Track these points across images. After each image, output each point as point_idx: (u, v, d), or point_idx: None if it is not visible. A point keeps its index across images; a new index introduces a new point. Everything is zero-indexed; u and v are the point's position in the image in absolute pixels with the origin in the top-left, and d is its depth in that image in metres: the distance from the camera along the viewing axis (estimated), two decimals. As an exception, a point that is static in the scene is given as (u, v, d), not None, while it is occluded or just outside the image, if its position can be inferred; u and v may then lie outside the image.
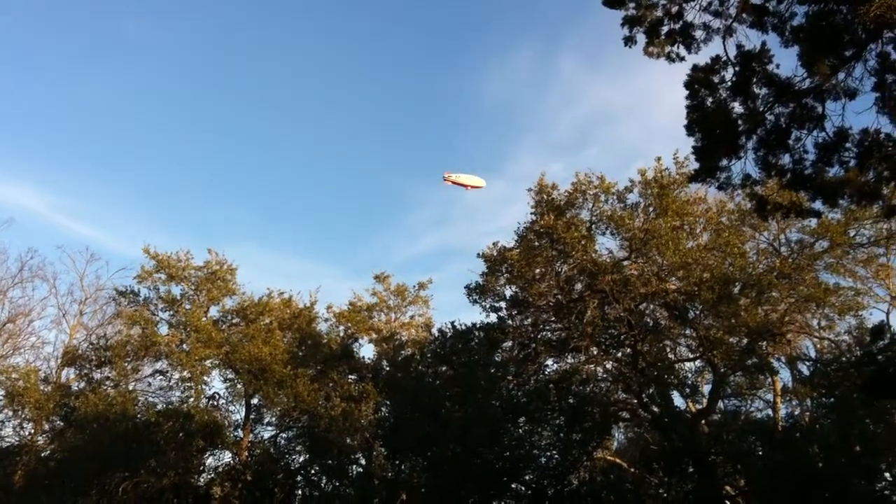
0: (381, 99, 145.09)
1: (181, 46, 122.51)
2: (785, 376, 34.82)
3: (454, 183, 39.99)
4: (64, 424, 34.29)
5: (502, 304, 31.80)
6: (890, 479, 27.81)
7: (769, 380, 33.01)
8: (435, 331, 34.69)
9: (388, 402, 32.89)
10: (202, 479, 33.84)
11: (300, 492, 33.95)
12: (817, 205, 15.11)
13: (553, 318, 31.34)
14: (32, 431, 35.57)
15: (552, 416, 28.89)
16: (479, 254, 31.89)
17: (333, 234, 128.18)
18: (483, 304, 32.13)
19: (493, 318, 31.59)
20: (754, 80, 14.10)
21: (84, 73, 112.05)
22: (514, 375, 30.56)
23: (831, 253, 29.47)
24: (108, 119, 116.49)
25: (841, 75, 13.37)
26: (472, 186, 40.04)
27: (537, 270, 30.37)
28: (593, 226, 29.37)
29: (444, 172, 39.88)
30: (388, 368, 34.76)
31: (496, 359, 31.36)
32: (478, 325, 31.26)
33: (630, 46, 14.77)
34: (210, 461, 34.42)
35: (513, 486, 28.43)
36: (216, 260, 35.71)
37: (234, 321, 35.90)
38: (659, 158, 28.44)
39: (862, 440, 26.15)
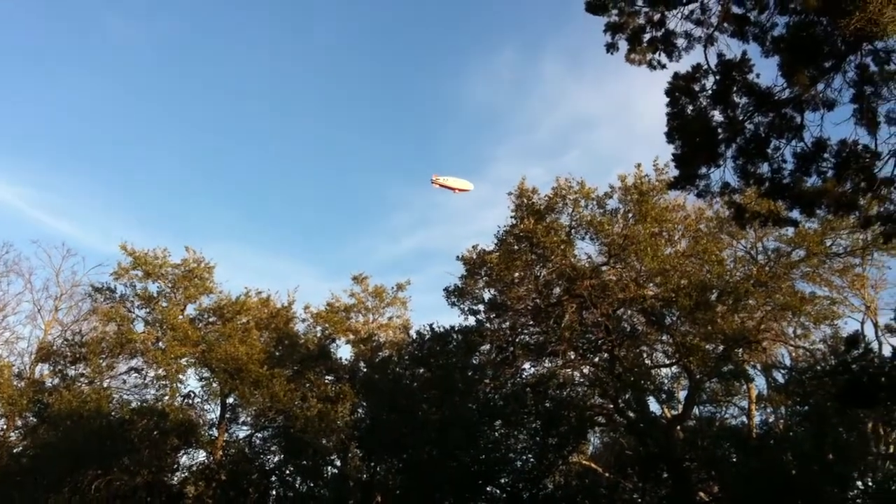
0: (362, 100, 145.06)
1: (161, 43, 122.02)
2: (760, 384, 35.10)
3: (442, 186, 40.01)
4: (37, 421, 33.95)
5: (481, 307, 31.87)
6: (862, 487, 28.08)
7: (744, 387, 33.23)
8: (413, 333, 34.70)
9: (364, 404, 32.81)
10: (176, 478, 33.61)
11: (274, 492, 33.76)
12: (795, 214, 15.24)
13: (531, 322, 31.41)
14: (5, 427, 35.19)
15: (528, 419, 28.92)
16: (458, 256, 31.96)
17: (312, 234, 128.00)
18: (461, 306, 32.18)
19: (471, 320, 31.67)
20: (734, 89, 14.19)
21: (63, 68, 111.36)
22: (492, 378, 30.58)
23: (808, 262, 29.71)
24: (87, 114, 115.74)
25: (820, 86, 13.49)
26: (460, 189, 40.10)
27: (516, 274, 30.43)
28: (573, 230, 29.46)
29: (433, 175, 39.86)
30: (365, 370, 34.69)
31: (474, 362, 31.36)
32: (456, 328, 31.29)
33: (612, 53, 14.82)
34: (184, 460, 34.25)
35: (488, 489, 28.39)
36: (193, 258, 35.53)
37: (210, 320, 35.72)
38: (639, 165, 28.64)
39: (835, 448, 26.36)
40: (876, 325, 35.35)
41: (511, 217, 30.12)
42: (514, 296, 30.27)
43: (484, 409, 28.40)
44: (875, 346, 31.78)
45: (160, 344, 33.90)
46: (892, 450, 30.78)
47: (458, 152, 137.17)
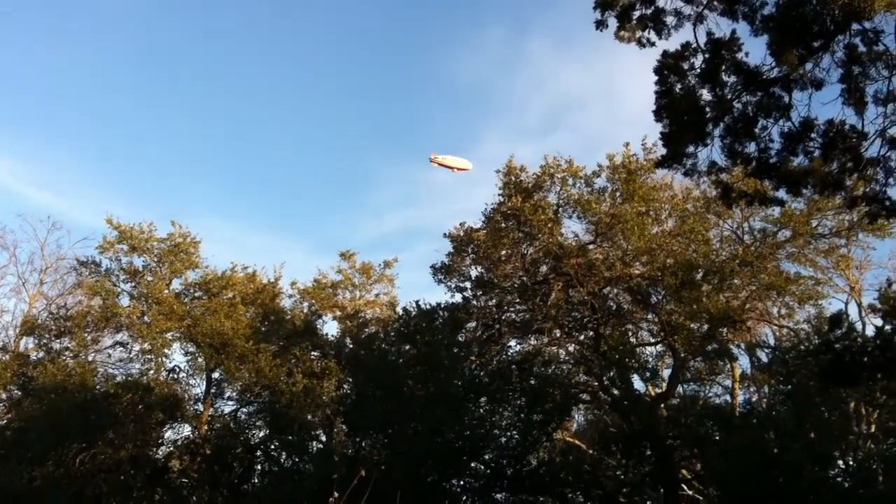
0: (349, 76, 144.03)
1: (148, 18, 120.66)
2: (744, 363, 35.38)
3: (440, 164, 39.79)
4: (21, 394, 33.82)
5: (467, 285, 31.94)
6: (843, 465, 28.38)
7: (728, 366, 33.47)
8: (399, 310, 34.70)
9: (350, 380, 32.85)
10: (160, 452, 33.58)
11: (259, 467, 33.84)
12: (781, 194, 15.24)
13: (517, 300, 31.52)
14: (-11, 401, 35.08)
15: (513, 396, 29.07)
16: (445, 234, 31.92)
17: (299, 210, 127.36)
18: (448, 283, 32.23)
19: (457, 298, 31.74)
20: (723, 67, 14.14)
21: (47, 39, 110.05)
22: (477, 355, 30.71)
23: (793, 242, 29.80)
24: (73, 87, 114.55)
25: (808, 66, 13.46)
26: (459, 168, 39.88)
27: (503, 252, 30.47)
28: (560, 209, 29.49)
29: (431, 154, 39.62)
30: (351, 346, 34.66)
31: (460, 339, 31.46)
32: (442, 305, 31.35)
33: (601, 30, 14.73)
34: (169, 434, 34.17)
35: (472, 465, 28.55)
36: (179, 232, 35.23)
37: (196, 294, 35.52)
38: (627, 144, 28.69)
39: (817, 427, 26.62)
40: (860, 305, 35.61)
41: (499, 195, 30.13)
42: (501, 273, 30.33)
43: (469, 386, 28.52)
44: (858, 326, 32.09)
45: (145, 318, 33.68)
46: (873, 429, 31.05)
47: (446, 130, 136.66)
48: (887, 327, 16.14)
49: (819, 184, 13.85)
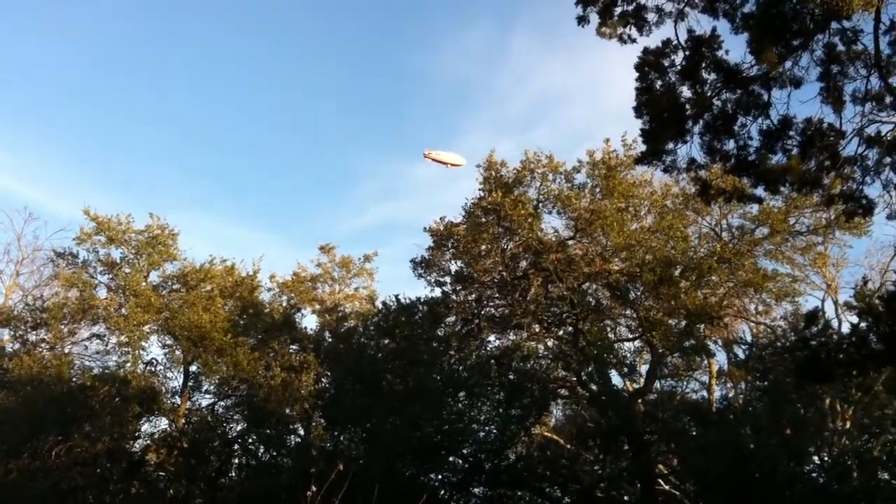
0: (331, 69, 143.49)
1: (128, 8, 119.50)
2: (721, 359, 35.61)
3: (434, 160, 39.59)
4: (-4, 386, 33.54)
5: (447, 279, 31.98)
6: (818, 461, 28.67)
7: (705, 362, 33.68)
8: (379, 304, 34.65)
9: (328, 374, 32.78)
10: (137, 445, 33.31)
11: (237, 460, 33.65)
12: (759, 191, 15.38)
13: (497, 295, 31.59)
14: (-36, 392, 34.71)
15: (492, 391, 29.11)
16: (425, 228, 31.90)
17: (279, 204, 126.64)
18: (428, 278, 32.25)
19: (437, 292, 31.75)
20: (703, 65, 14.24)
21: (25, 28, 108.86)
22: (456, 350, 30.73)
23: (771, 240, 30.03)
24: (52, 77, 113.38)
25: (788, 64, 13.60)
26: (453, 164, 39.69)
27: (483, 247, 30.50)
28: (540, 204, 29.56)
29: (425, 149, 39.41)
30: (330, 340, 34.57)
31: (439, 333, 31.45)
32: (422, 300, 31.32)
33: (583, 26, 14.76)
34: (146, 427, 33.84)
35: (451, 459, 28.59)
36: (157, 224, 34.92)
37: (174, 287, 35.25)
38: (607, 140, 28.76)
39: (793, 423, 26.87)
40: (836, 303, 35.92)
41: (479, 189, 30.15)
42: (481, 268, 30.34)
43: (448, 381, 28.53)
44: (835, 323, 32.37)
45: (123, 310, 33.42)
46: (848, 425, 31.35)
47: (429, 125, 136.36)
48: (862, 325, 16.27)
49: (797, 182, 13.97)
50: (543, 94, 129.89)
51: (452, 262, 31.97)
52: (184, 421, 33.40)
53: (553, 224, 30.76)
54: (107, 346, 35.13)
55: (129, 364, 33.05)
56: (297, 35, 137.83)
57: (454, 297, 31.83)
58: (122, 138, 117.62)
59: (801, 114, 14.12)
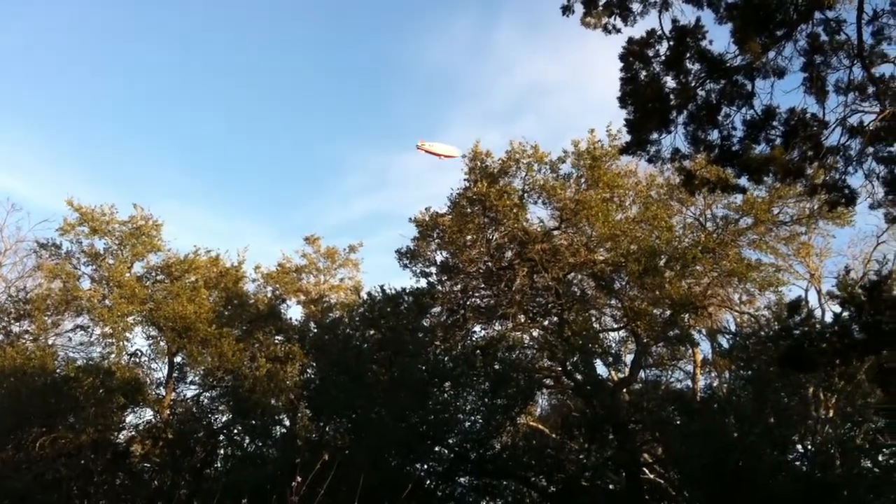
0: (315, 60, 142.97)
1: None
2: (705, 348, 35.80)
3: (427, 152, 39.51)
4: (-21, 378, 33.34)
5: (432, 270, 32.01)
6: (801, 450, 28.86)
7: (690, 351, 33.84)
8: (364, 294, 34.66)
9: (314, 364, 32.74)
10: (122, 437, 33.25)
11: (222, 451, 33.60)
12: (743, 181, 15.45)
13: (482, 285, 31.62)
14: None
15: (477, 381, 29.13)
16: (410, 218, 31.89)
17: (264, 195, 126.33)
18: (413, 268, 32.28)
19: (422, 283, 31.76)
20: (687, 55, 14.22)
21: (6, 16, 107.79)
22: (442, 340, 30.75)
23: (755, 230, 30.13)
24: (32, 66, 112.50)
25: (771, 54, 13.60)
26: (446, 156, 39.59)
27: (468, 237, 30.53)
28: (525, 194, 29.59)
29: (419, 141, 39.32)
30: (315, 330, 34.56)
31: (424, 324, 31.47)
32: (407, 290, 31.31)
33: (567, 16, 14.70)
34: (131, 418, 33.79)
35: (436, 449, 28.62)
36: (141, 215, 34.79)
37: (158, 278, 35.17)
38: (592, 130, 28.79)
39: (776, 412, 27.01)
40: (820, 292, 36.15)
41: (464, 180, 30.15)
42: (466, 259, 30.36)
43: (433, 371, 28.53)
44: (818, 313, 32.59)
45: (106, 301, 33.30)
46: (831, 414, 31.56)
47: (415, 115, 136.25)
48: (845, 314, 16.37)
49: (780, 171, 14.01)
50: (529, 84, 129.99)
51: (438, 252, 32.03)
52: (169, 412, 33.36)
53: (538, 214, 30.97)
54: (91, 337, 35.05)
55: (113, 355, 32.99)
56: (283, 25, 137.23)
57: (440, 287, 31.85)
58: (105, 129, 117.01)
59: (784, 104, 14.17)
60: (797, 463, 27.45)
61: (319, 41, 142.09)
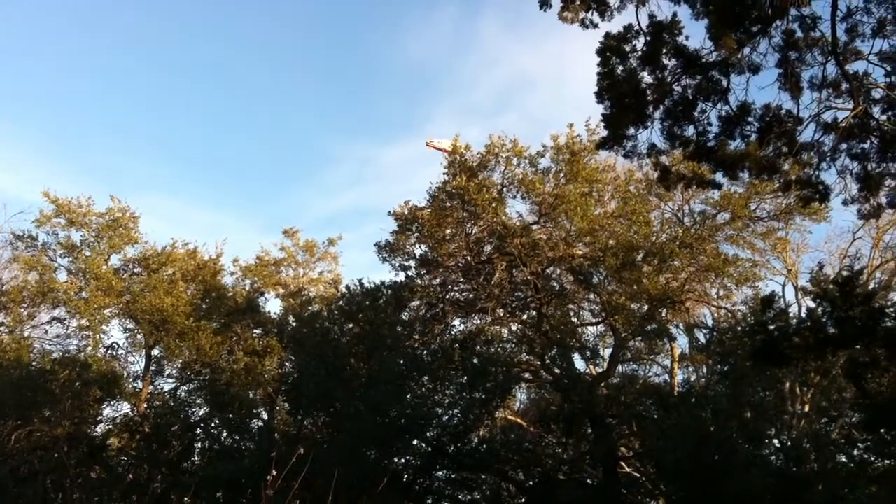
0: (299, 53, 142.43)
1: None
2: (682, 343, 36.07)
3: (436, 148, 39.57)
4: (-46, 370, 33.05)
5: (412, 263, 31.94)
6: (777, 444, 29.11)
7: (667, 346, 34.06)
8: (343, 288, 34.59)
9: (292, 358, 32.70)
10: (99, 430, 33.09)
11: (199, 445, 33.52)
12: (719, 177, 15.51)
13: (461, 279, 31.64)
14: (-79, 377, 34.16)
15: (456, 375, 29.18)
16: (390, 212, 31.84)
17: (248, 189, 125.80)
18: (392, 262, 32.21)
19: (401, 276, 31.73)
20: (664, 50, 14.26)
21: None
22: (420, 334, 30.77)
23: (732, 225, 30.30)
24: (6, 56, 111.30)
25: (746, 50, 13.66)
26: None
27: (447, 231, 30.54)
28: (504, 189, 29.60)
29: (427, 138, 39.40)
30: (294, 324, 34.48)
31: (403, 317, 31.47)
32: (386, 284, 31.29)
33: (545, 10, 14.67)
34: (107, 412, 33.58)
35: (414, 442, 28.64)
36: (118, 207, 34.54)
37: (135, 270, 34.95)
38: (571, 125, 28.80)
39: (752, 406, 27.22)
40: (796, 287, 36.51)
41: (444, 173, 30.15)
42: (445, 252, 30.37)
43: (412, 365, 28.55)
44: (795, 308, 32.90)
45: (83, 294, 33.09)
46: (807, 409, 31.88)
47: (397, 109, 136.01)
48: (818, 309, 16.51)
49: (755, 167, 14.08)
50: (511, 79, 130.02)
51: (417, 246, 31.98)
52: (146, 405, 33.23)
53: (517, 208, 30.95)
54: (67, 329, 34.77)
55: (89, 348, 32.85)
56: (268, 19, 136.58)
57: (418, 281, 31.84)
58: (83, 120, 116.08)
59: (759, 100, 14.32)
60: (773, 457, 27.66)
61: (303, 34, 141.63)
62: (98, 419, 33.06)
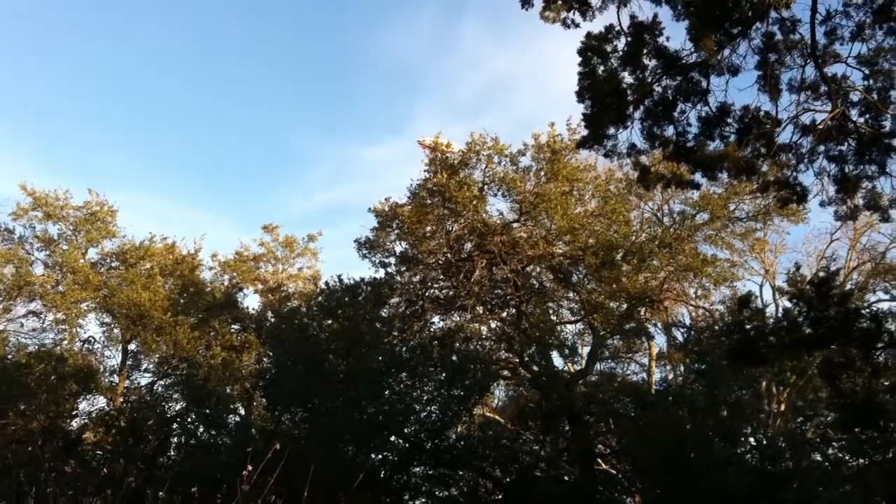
0: (279, 50, 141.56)
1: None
2: (660, 341, 36.26)
3: (428, 147, 39.51)
4: (-71, 364, 32.74)
5: (392, 260, 31.94)
6: (754, 442, 29.34)
7: (645, 344, 34.22)
8: (322, 284, 34.51)
9: (270, 353, 32.60)
10: (74, 424, 32.92)
11: (175, 440, 33.38)
12: (698, 177, 15.57)
13: (441, 276, 31.65)
14: None
15: (434, 372, 29.19)
16: (370, 208, 31.79)
17: (226, 186, 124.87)
18: (372, 259, 32.19)
19: (381, 273, 31.69)
20: (645, 51, 14.31)
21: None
22: (399, 331, 30.73)
23: (711, 225, 30.47)
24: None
25: (726, 52, 13.72)
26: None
27: (428, 228, 30.54)
28: (485, 186, 29.63)
29: (420, 137, 39.27)
30: (272, 319, 34.37)
31: (382, 314, 31.41)
32: (366, 280, 31.21)
33: (527, 9, 14.66)
34: (83, 406, 33.47)
35: (392, 439, 28.62)
36: (97, 201, 34.33)
37: (113, 264, 34.77)
38: (552, 124, 28.86)
39: (729, 405, 27.41)
40: (773, 288, 36.81)
41: (424, 171, 30.13)
42: (426, 250, 30.38)
43: (390, 361, 28.51)
44: (772, 308, 33.16)
45: (60, 287, 32.93)
46: (783, 408, 32.16)
47: (378, 107, 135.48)
48: (795, 309, 16.64)
49: (733, 168, 14.16)
50: (493, 78, 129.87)
51: (397, 243, 32.00)
52: (122, 400, 33.07)
53: (498, 206, 30.98)
54: (43, 323, 34.61)
55: (66, 342, 32.75)
56: (247, 16, 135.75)
57: (398, 278, 31.83)
58: (63, 113, 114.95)
59: (738, 101, 14.33)
60: (748, 455, 27.87)
61: (284, 31, 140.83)
62: (74, 413, 32.91)
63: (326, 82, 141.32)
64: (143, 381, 35.32)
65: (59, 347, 32.45)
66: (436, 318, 32.38)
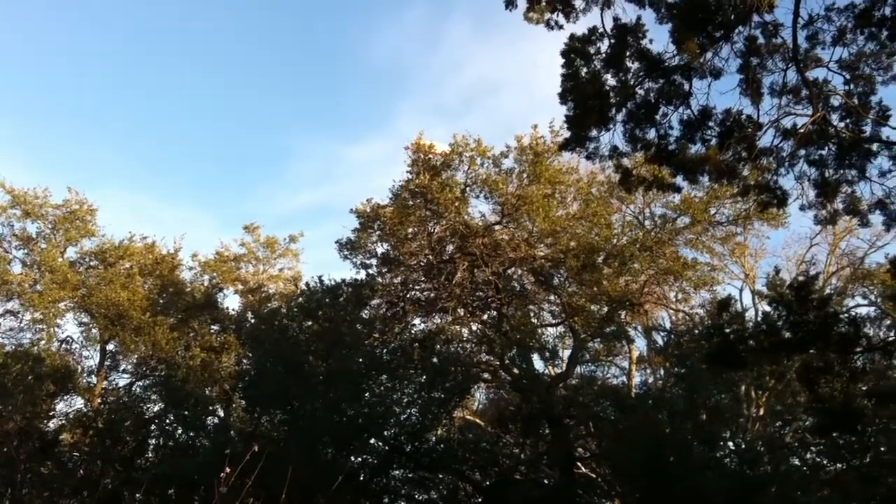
0: (265, 48, 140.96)
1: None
2: (641, 345, 36.36)
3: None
4: None
5: (373, 262, 31.80)
6: (732, 446, 29.46)
7: (626, 348, 34.29)
8: (303, 285, 34.35)
9: (249, 355, 32.38)
10: (51, 425, 32.58)
11: (154, 441, 33.10)
12: (679, 180, 15.60)
13: (423, 278, 31.57)
14: None
15: (415, 374, 29.09)
16: (352, 209, 31.65)
17: (208, 184, 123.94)
18: (354, 260, 32.04)
19: (362, 274, 31.57)
20: (628, 53, 14.32)
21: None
22: (380, 333, 30.60)
23: (692, 229, 30.59)
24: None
25: (709, 55, 13.76)
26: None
27: (410, 229, 30.45)
28: (467, 188, 29.58)
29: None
30: (252, 320, 34.16)
31: (363, 316, 31.28)
32: (347, 282, 31.07)
33: (510, 10, 14.67)
34: (60, 406, 33.14)
35: (371, 441, 28.51)
36: (76, 199, 34.01)
37: (91, 264, 34.43)
38: (535, 126, 28.87)
39: (708, 409, 27.51)
40: (753, 291, 37.01)
41: (407, 172, 30.04)
42: (407, 251, 30.29)
43: (370, 363, 28.38)
44: (752, 312, 33.32)
45: (37, 287, 32.56)
46: (761, 412, 32.30)
47: (362, 106, 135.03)
48: (774, 313, 16.68)
49: (715, 171, 14.22)
50: (478, 80, 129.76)
51: (379, 244, 31.85)
52: (100, 401, 32.78)
53: (480, 208, 30.95)
54: (20, 322, 34.19)
55: (43, 342, 32.44)
56: (232, 13, 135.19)
57: (379, 279, 31.71)
58: (43, 111, 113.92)
59: (720, 105, 14.40)
60: (727, 459, 27.99)
61: (270, 30, 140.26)
62: (51, 414, 32.58)
63: (311, 81, 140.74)
64: (122, 382, 35.08)
65: (36, 347, 32.13)
66: (417, 320, 32.31)
